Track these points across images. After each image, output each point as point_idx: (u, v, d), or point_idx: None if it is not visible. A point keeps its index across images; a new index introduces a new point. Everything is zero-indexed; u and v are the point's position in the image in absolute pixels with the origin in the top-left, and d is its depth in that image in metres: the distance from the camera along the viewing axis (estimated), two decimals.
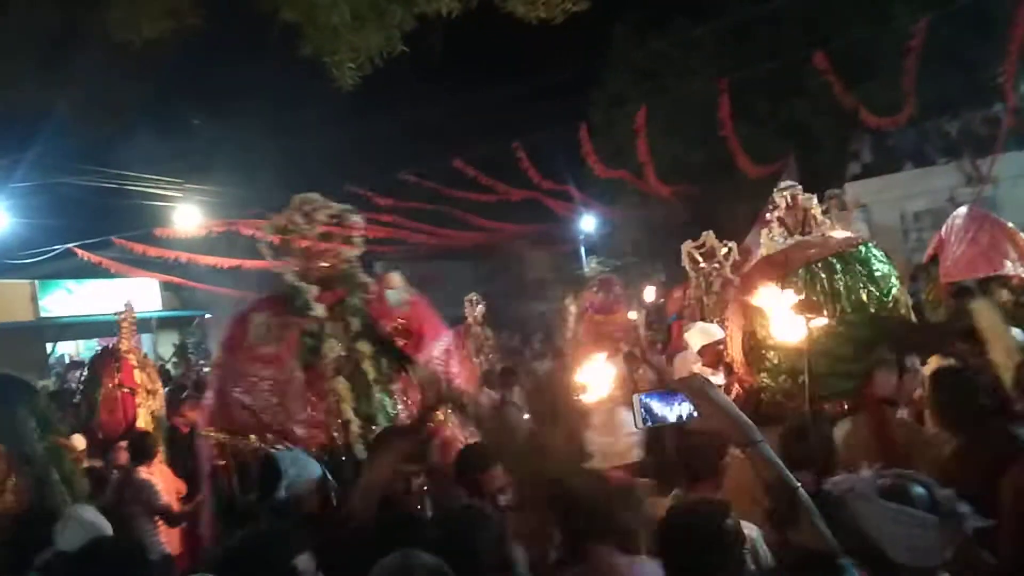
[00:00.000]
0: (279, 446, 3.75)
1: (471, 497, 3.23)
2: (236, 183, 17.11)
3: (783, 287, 4.33)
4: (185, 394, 8.66)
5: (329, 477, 3.46)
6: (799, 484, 2.10)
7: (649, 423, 2.30)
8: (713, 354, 6.11)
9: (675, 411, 2.28)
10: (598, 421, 3.47)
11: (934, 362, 4.61)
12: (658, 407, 2.28)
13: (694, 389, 2.23)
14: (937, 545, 2.07)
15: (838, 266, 4.70)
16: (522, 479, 2.98)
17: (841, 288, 4.61)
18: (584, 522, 2.73)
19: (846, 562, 2.03)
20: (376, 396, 3.96)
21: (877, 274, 4.75)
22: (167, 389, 9.55)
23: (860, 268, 4.73)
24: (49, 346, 19.39)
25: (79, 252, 14.47)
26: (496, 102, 17.31)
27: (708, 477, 3.25)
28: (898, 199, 16.15)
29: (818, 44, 12.45)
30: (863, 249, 4.90)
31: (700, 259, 8.66)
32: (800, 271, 4.67)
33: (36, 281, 18.38)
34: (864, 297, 4.65)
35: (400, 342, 4.13)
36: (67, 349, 20.29)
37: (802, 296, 4.24)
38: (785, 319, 3.59)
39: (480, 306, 11.29)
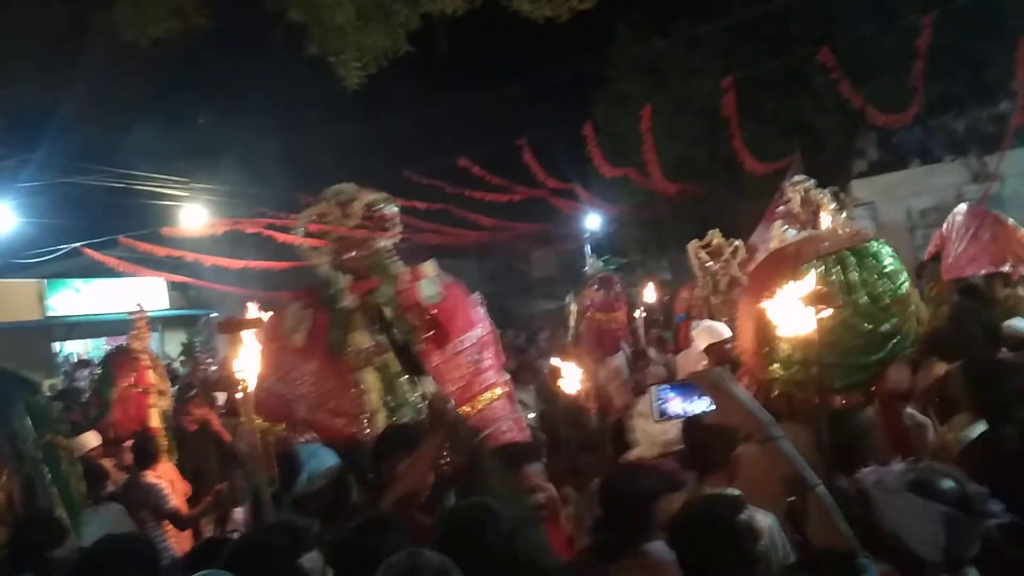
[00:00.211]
0: (304, 438, 3.78)
1: (509, 491, 3.18)
2: (242, 182, 17.14)
3: (796, 278, 4.34)
4: (193, 392, 8.69)
5: (347, 470, 3.50)
6: (819, 482, 2.07)
7: (667, 416, 2.30)
8: (719, 353, 6.11)
9: (693, 405, 2.26)
10: (644, 408, 3.42)
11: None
12: (676, 401, 2.27)
13: (712, 382, 2.19)
14: (964, 541, 2.04)
15: (852, 259, 4.71)
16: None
17: (856, 280, 4.62)
18: (634, 517, 2.73)
19: (866, 561, 2.00)
20: (402, 388, 3.97)
21: (889, 269, 4.76)
22: (175, 388, 9.59)
23: (873, 262, 4.74)
24: (56, 345, 19.45)
25: (86, 251, 14.53)
26: (501, 101, 17.30)
27: (719, 469, 3.22)
28: (904, 196, 16.11)
29: (823, 42, 12.42)
30: (874, 244, 4.90)
31: (707, 258, 8.63)
32: (814, 262, 4.68)
33: (43, 280, 18.43)
34: (879, 290, 4.65)
35: (428, 333, 4.07)
36: (74, 348, 20.36)
37: (817, 286, 4.24)
38: (798, 309, 3.58)
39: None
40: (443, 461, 3.39)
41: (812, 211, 5.24)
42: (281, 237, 15.32)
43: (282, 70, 12.98)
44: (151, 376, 7.39)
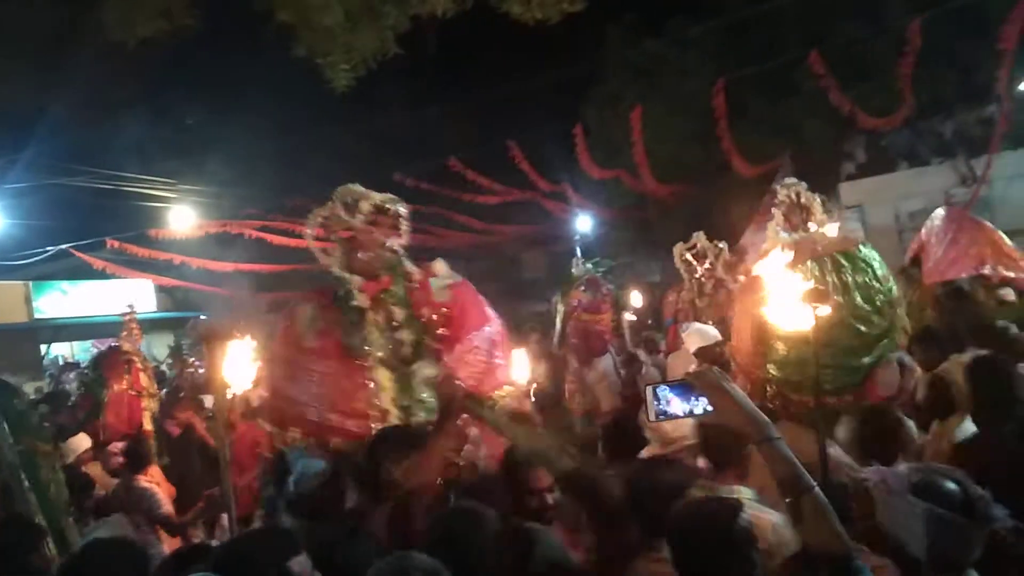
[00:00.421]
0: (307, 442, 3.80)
1: (518, 495, 3.19)
2: (231, 183, 17.09)
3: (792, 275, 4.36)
4: (181, 395, 8.63)
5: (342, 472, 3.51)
6: (815, 483, 2.05)
7: (663, 417, 2.29)
8: (710, 356, 6.10)
9: (690, 405, 2.25)
10: None
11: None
12: (673, 401, 2.26)
13: (709, 382, 2.17)
14: (966, 545, 2.04)
15: (845, 262, 4.76)
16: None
17: (850, 282, 4.66)
18: (658, 512, 2.67)
19: (861, 563, 1.99)
20: (416, 386, 3.95)
21: (879, 272, 4.82)
22: (163, 391, 9.53)
23: (864, 265, 4.79)
24: (43, 347, 19.33)
25: (74, 253, 14.47)
26: (491, 102, 17.30)
27: (732, 465, 3.21)
28: (893, 199, 16.19)
29: (813, 45, 12.48)
30: (863, 248, 4.97)
31: (693, 260, 8.63)
32: (809, 263, 4.70)
33: (30, 282, 18.31)
34: (872, 292, 4.71)
35: (441, 331, 4.08)
36: (61, 350, 20.23)
37: (813, 284, 4.26)
38: (795, 308, 3.60)
39: None
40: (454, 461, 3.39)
41: (803, 214, 5.27)
42: (270, 238, 15.32)
43: (271, 71, 12.93)
44: (144, 379, 7.35)
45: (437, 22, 6.48)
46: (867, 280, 4.71)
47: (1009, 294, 7.44)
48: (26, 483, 4.10)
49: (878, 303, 4.66)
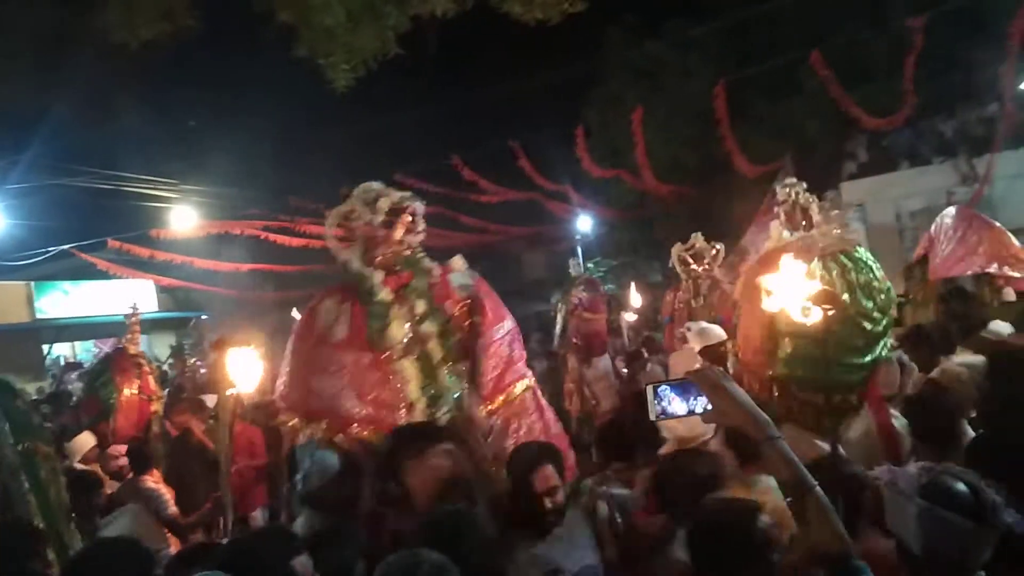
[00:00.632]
0: (340, 436, 3.81)
1: (517, 497, 3.19)
2: (232, 184, 17.10)
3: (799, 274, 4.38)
4: (184, 395, 8.64)
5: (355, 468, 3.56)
6: (816, 483, 2.05)
7: (664, 416, 2.29)
8: (715, 355, 6.09)
9: (690, 404, 2.25)
10: None
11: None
12: (675, 400, 2.25)
13: (710, 381, 2.17)
14: (974, 549, 2.02)
15: (848, 262, 4.79)
16: None
17: (855, 281, 4.69)
18: (694, 503, 2.69)
19: (861, 563, 1.99)
20: (443, 377, 3.97)
21: (879, 273, 4.86)
22: (166, 392, 9.54)
23: (864, 265, 4.82)
24: (45, 348, 19.35)
25: (76, 253, 14.48)
26: (492, 103, 17.31)
27: (757, 456, 3.22)
28: (894, 198, 16.18)
29: (814, 45, 12.48)
30: (860, 250, 5.00)
31: (691, 261, 8.64)
32: (815, 261, 4.72)
33: (32, 282, 18.31)
34: (875, 291, 4.75)
35: (465, 323, 4.13)
36: (63, 351, 20.25)
37: (822, 283, 4.27)
38: (806, 308, 3.61)
39: None
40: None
41: (802, 214, 5.29)
42: (272, 238, 15.30)
43: (272, 72, 12.95)
44: (151, 382, 7.36)
45: (438, 22, 6.49)
46: (869, 279, 4.73)
47: (1010, 294, 7.45)
48: (26, 485, 4.05)
49: (880, 302, 4.68)
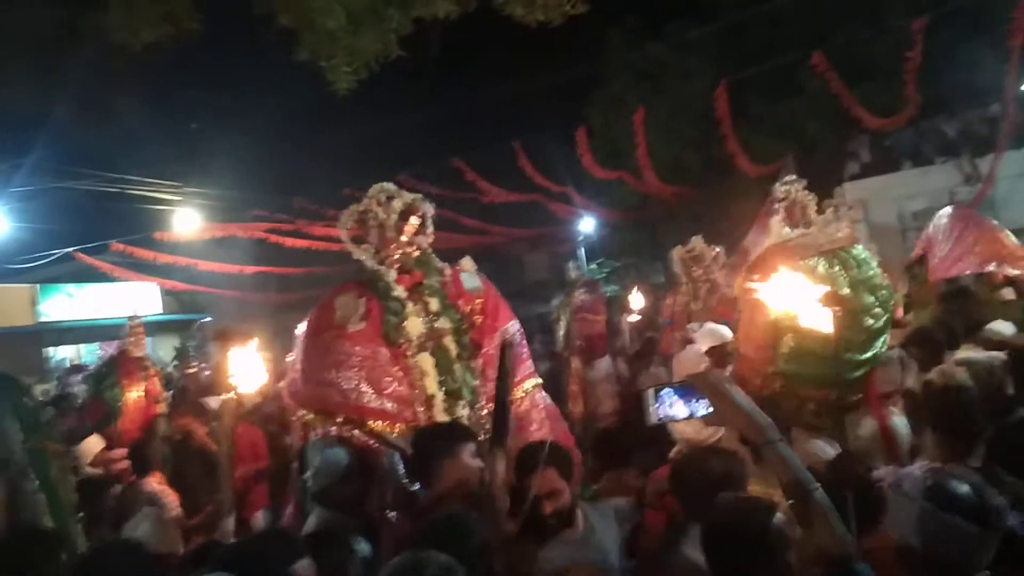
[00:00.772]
0: (356, 431, 3.83)
1: (517, 499, 3.15)
2: (235, 186, 17.12)
3: (802, 270, 4.40)
4: (188, 397, 8.62)
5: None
6: (817, 485, 2.05)
7: (664, 419, 2.28)
8: (721, 355, 6.09)
9: (691, 407, 2.24)
10: None
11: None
12: (675, 403, 2.25)
13: (711, 384, 2.17)
14: (977, 552, 2.02)
15: (848, 258, 4.78)
16: None
17: (857, 277, 4.69)
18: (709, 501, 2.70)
19: (862, 565, 1.99)
20: (459, 372, 4.02)
21: (878, 270, 4.87)
22: (170, 393, 9.52)
23: (865, 263, 4.81)
24: (49, 351, 19.38)
25: (79, 256, 14.51)
26: (494, 105, 17.33)
27: None
28: (897, 198, 16.16)
29: (815, 45, 12.48)
30: (859, 247, 5.00)
31: (692, 263, 8.65)
32: (818, 258, 4.74)
33: (36, 285, 18.35)
34: (876, 289, 4.75)
35: (478, 319, 4.22)
36: (67, 353, 20.28)
37: (825, 279, 4.28)
38: (814, 308, 3.61)
39: None
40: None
41: (801, 211, 5.30)
42: (276, 239, 15.29)
43: (274, 74, 12.96)
44: (157, 385, 7.35)
45: (440, 24, 6.49)
46: (870, 275, 4.74)
47: (1009, 293, 7.46)
48: (35, 483, 4.03)
49: (880, 298, 4.68)
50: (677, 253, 8.74)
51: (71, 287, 19.04)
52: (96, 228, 15.37)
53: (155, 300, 20.38)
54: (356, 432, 3.82)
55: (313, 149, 19.96)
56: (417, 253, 4.27)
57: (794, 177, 5.59)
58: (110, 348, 18.49)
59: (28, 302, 18.25)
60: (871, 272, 4.77)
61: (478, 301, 4.28)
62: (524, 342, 4.39)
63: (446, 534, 2.52)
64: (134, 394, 7.24)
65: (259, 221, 15.51)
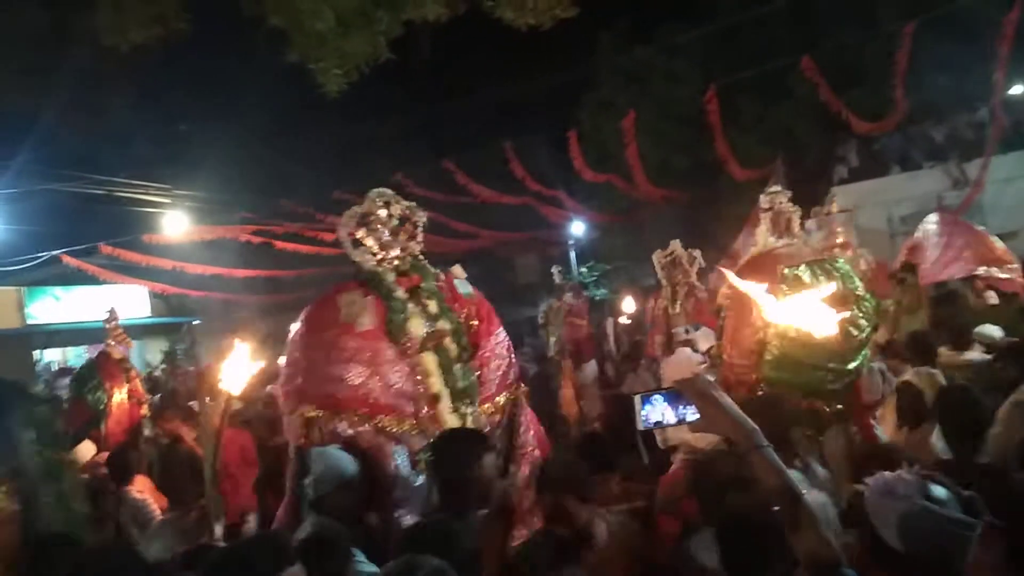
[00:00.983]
0: (366, 426, 3.84)
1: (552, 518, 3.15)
2: (223, 188, 17.06)
3: (786, 280, 4.42)
4: (177, 401, 8.56)
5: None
6: (804, 491, 2.05)
7: (651, 425, 2.28)
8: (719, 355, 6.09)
9: (679, 413, 2.24)
10: None
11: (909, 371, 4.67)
12: (663, 409, 2.25)
13: (697, 390, 2.16)
14: (965, 550, 2.01)
15: (834, 271, 4.79)
16: None
17: (841, 288, 4.68)
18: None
19: (850, 571, 1.98)
20: (459, 372, 4.07)
21: (860, 282, 4.87)
22: (158, 396, 9.46)
23: (847, 275, 4.82)
24: (36, 353, 19.24)
25: (66, 259, 14.41)
26: (484, 108, 17.33)
27: (778, 448, 3.22)
28: (885, 203, 16.22)
29: (805, 49, 12.53)
30: (840, 261, 5.05)
31: (672, 268, 8.74)
32: (803, 267, 4.75)
33: (23, 288, 18.22)
34: (860, 299, 4.73)
35: (473, 323, 4.29)
36: (54, 356, 20.14)
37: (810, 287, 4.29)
38: (814, 312, 3.63)
39: None
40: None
41: (785, 222, 5.33)
42: (265, 243, 15.21)
43: (264, 76, 12.93)
44: (140, 386, 7.30)
45: (430, 27, 6.48)
46: (852, 288, 4.74)
47: (992, 297, 7.56)
48: (51, 495, 3.97)
49: (864, 310, 4.68)
50: (657, 257, 8.83)
51: (58, 290, 18.92)
52: (84, 230, 15.27)
53: (143, 303, 20.26)
54: (364, 428, 3.84)
55: (303, 151, 19.91)
56: (409, 258, 4.32)
57: (779, 188, 5.61)
58: (97, 351, 18.40)
59: (15, 304, 18.13)
60: (853, 285, 4.78)
61: (472, 306, 4.36)
62: (510, 348, 4.46)
63: (434, 542, 2.51)
64: (118, 396, 7.18)
65: (248, 224, 15.45)
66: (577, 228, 23.55)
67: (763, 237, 5.42)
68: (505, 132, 15.74)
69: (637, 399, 2.27)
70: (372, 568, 3.07)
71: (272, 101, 16.94)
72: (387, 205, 4.28)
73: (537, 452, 4.15)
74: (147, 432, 7.06)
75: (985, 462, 3.32)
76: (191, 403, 7.58)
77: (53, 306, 18.88)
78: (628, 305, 11.54)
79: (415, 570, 2.18)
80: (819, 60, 12.37)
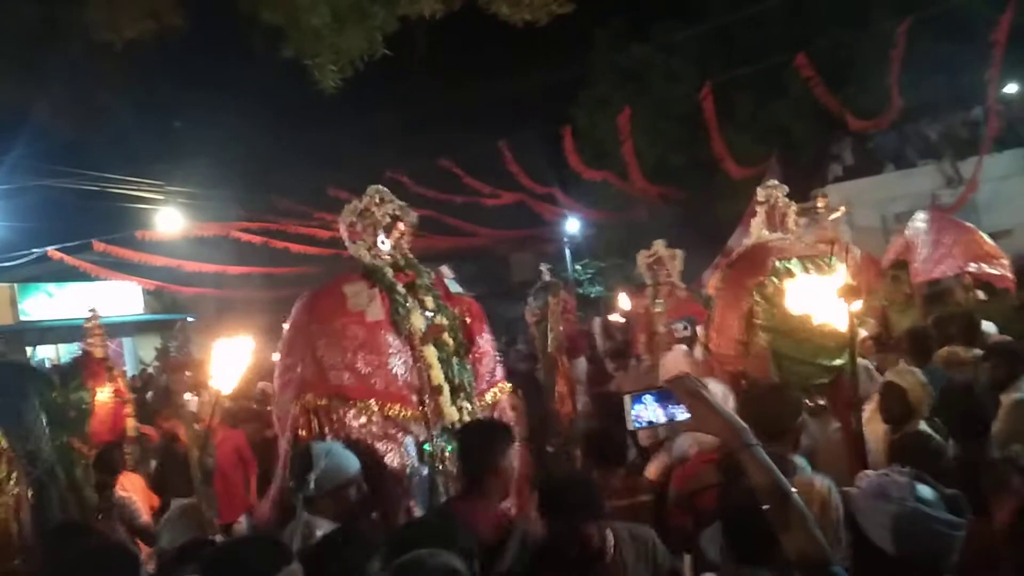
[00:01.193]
0: (377, 416, 3.84)
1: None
2: (217, 185, 17.01)
3: (777, 273, 4.41)
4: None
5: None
6: (793, 489, 2.04)
7: (642, 425, 2.28)
8: None
9: (669, 413, 2.24)
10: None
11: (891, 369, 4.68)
12: (654, 408, 2.24)
13: (687, 389, 2.16)
14: (953, 549, 2.02)
15: (825, 267, 4.80)
16: None
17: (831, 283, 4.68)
18: None
19: (839, 569, 1.97)
20: (457, 366, 4.12)
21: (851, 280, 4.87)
22: (150, 394, 9.43)
23: (837, 272, 4.82)
24: (29, 350, 19.17)
25: (59, 255, 14.35)
26: (480, 104, 17.31)
27: (780, 436, 3.22)
28: (880, 201, 16.27)
29: (800, 47, 12.54)
30: (831, 257, 5.03)
31: (656, 267, 8.80)
32: (794, 260, 4.75)
33: (16, 284, 18.17)
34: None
35: (467, 320, 4.34)
36: (47, 353, 20.08)
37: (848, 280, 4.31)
38: (824, 304, 3.63)
39: None
40: None
41: (780, 217, 5.34)
42: (259, 240, 15.16)
43: (259, 72, 12.88)
44: (123, 385, 7.25)
45: (425, 23, 6.45)
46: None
47: (979, 294, 7.61)
48: (63, 481, 3.93)
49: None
50: (641, 257, 8.89)
51: (51, 286, 18.87)
52: (77, 227, 15.22)
53: (137, 299, 20.21)
54: (374, 418, 3.84)
55: (298, 148, 19.87)
56: (401, 257, 4.34)
57: (776, 182, 5.62)
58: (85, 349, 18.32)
59: (8, 301, 18.07)
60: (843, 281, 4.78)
61: (464, 304, 4.42)
62: (494, 345, 4.53)
63: (432, 539, 2.50)
64: (101, 395, 7.13)
65: (242, 220, 15.40)
66: (572, 225, 23.54)
67: (757, 230, 5.43)
68: (501, 129, 15.74)
69: (627, 399, 2.27)
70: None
71: (267, 97, 16.91)
72: (382, 202, 4.31)
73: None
74: (131, 432, 6.98)
75: (994, 457, 3.35)
76: (184, 400, 7.55)
77: (46, 302, 18.82)
78: (623, 302, 11.55)
79: (422, 562, 2.18)
80: (814, 58, 12.38)
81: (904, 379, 4.19)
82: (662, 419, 2.25)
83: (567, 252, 25.67)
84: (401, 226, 4.34)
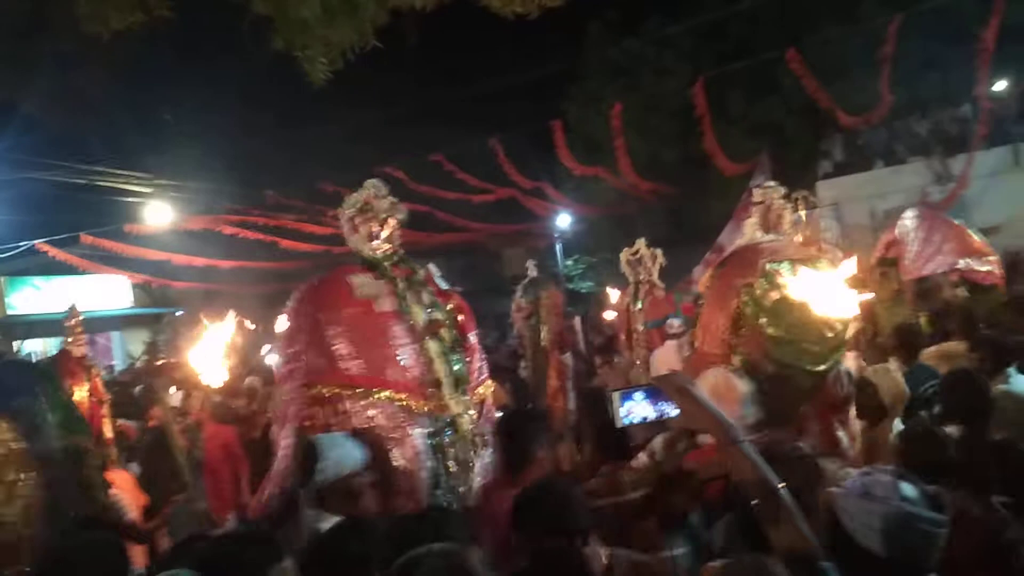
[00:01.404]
0: (387, 406, 3.83)
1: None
2: (208, 178, 16.93)
3: (766, 275, 4.41)
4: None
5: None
6: (781, 484, 2.05)
7: (629, 421, 2.28)
8: None
9: (658, 409, 2.24)
10: (710, 389, 2.99)
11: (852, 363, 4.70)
12: (643, 405, 2.25)
13: (675, 386, 2.17)
14: (938, 547, 2.02)
15: (815, 269, 4.78)
16: None
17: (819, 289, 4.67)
18: None
19: (827, 564, 1.98)
20: (453, 360, 4.13)
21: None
22: (139, 388, 9.36)
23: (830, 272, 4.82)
24: (16, 344, 19.05)
25: (47, 248, 14.27)
26: (471, 99, 17.21)
27: (785, 423, 3.22)
28: (869, 197, 16.34)
29: (791, 43, 12.56)
30: (822, 262, 5.02)
31: (637, 265, 8.83)
32: (785, 263, 4.75)
33: (3, 278, 18.06)
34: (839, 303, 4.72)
35: (460, 317, 4.36)
36: (35, 347, 19.96)
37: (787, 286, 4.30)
38: (830, 296, 3.63)
39: None
40: None
41: (775, 218, 5.34)
42: (249, 234, 15.11)
43: (249, 65, 12.81)
44: (100, 384, 7.18)
45: (416, 16, 6.42)
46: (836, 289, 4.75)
47: (963, 291, 7.68)
48: (74, 481, 3.92)
49: (843, 314, 4.68)
50: (623, 255, 8.92)
51: (39, 280, 18.75)
52: (65, 219, 15.13)
53: (125, 293, 20.10)
54: (385, 408, 3.83)
55: (289, 141, 19.77)
56: (392, 254, 4.34)
57: (773, 183, 5.61)
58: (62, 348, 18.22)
59: None
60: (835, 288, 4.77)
61: (454, 300, 4.44)
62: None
63: (434, 532, 2.49)
64: (78, 394, 7.06)
65: (232, 214, 15.34)
66: (563, 220, 23.54)
67: (751, 230, 5.42)
68: (492, 124, 15.69)
69: (616, 395, 2.27)
70: None
71: (257, 90, 16.80)
72: (378, 196, 4.32)
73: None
74: (108, 433, 6.92)
75: (997, 439, 3.39)
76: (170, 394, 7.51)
77: (33, 296, 18.71)
78: (615, 298, 11.60)
79: (426, 557, 2.18)
80: (805, 54, 12.40)
81: (879, 378, 4.22)
82: (652, 415, 2.25)
83: (558, 247, 25.66)
84: (392, 222, 4.34)
